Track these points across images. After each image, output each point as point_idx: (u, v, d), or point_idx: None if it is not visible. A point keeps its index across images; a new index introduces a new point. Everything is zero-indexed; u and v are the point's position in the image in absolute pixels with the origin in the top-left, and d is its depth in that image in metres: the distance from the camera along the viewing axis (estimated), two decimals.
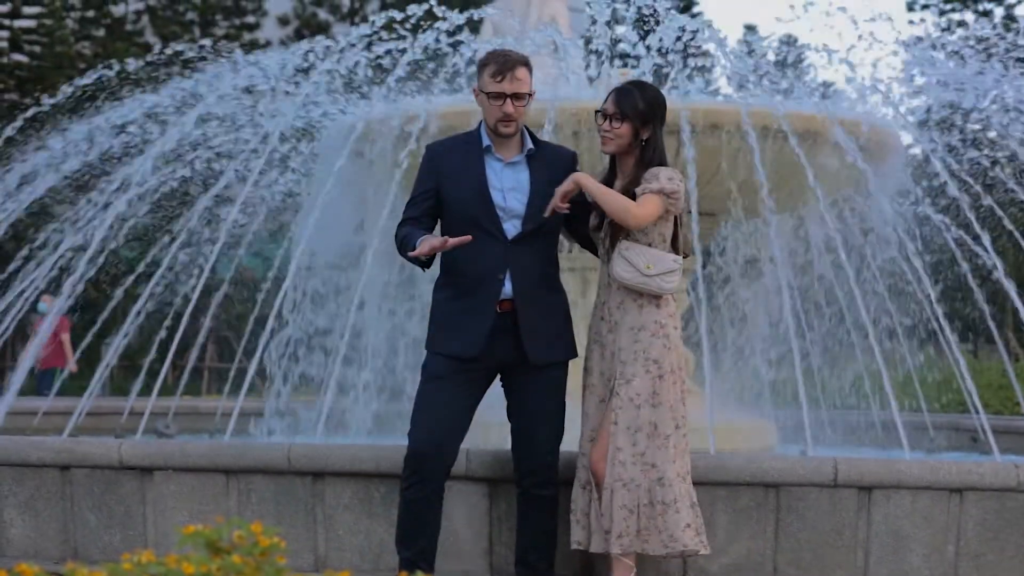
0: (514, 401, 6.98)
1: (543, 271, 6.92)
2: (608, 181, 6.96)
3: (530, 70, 6.91)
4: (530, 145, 6.95)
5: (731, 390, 11.61)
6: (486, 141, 6.92)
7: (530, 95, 6.89)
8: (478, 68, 6.98)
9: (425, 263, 6.78)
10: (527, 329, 6.82)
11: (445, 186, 6.90)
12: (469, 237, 6.69)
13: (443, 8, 10.88)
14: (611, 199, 6.76)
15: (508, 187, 6.86)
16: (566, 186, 6.77)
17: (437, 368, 6.88)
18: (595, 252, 7.17)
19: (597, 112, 6.93)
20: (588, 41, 11.65)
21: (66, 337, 21.61)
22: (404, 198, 8.73)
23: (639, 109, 6.84)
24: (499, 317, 6.81)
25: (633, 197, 6.78)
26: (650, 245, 6.83)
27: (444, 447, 6.83)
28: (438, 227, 7.02)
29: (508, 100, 6.81)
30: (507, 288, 6.81)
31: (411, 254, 6.71)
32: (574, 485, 6.98)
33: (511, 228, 6.84)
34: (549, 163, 6.94)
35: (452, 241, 6.67)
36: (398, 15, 11.03)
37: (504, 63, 6.86)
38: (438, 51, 10.81)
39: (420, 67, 10.87)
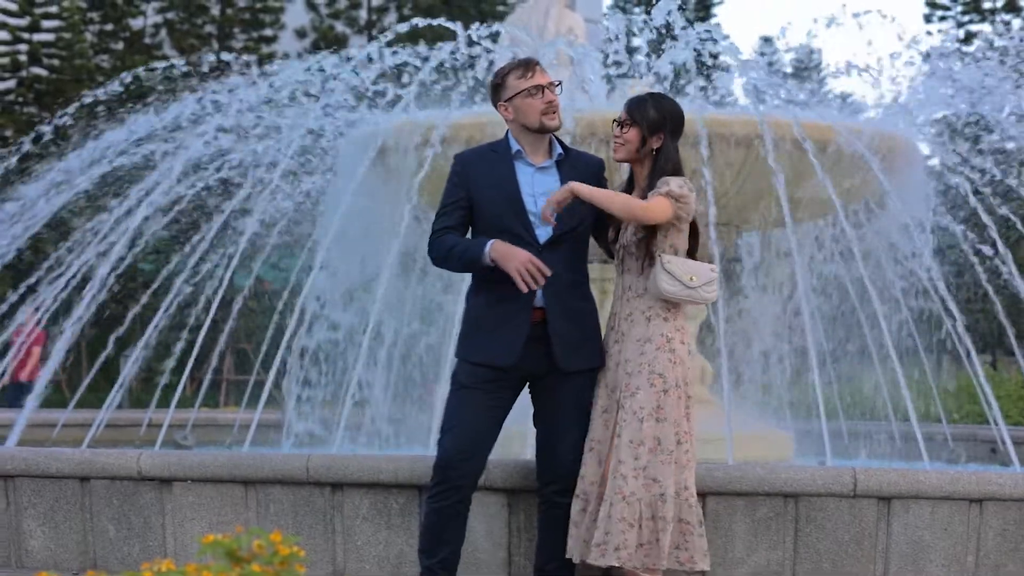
0: (541, 408, 6.97)
1: (573, 279, 6.92)
2: (627, 192, 6.97)
3: None
4: (559, 150, 6.97)
5: (749, 400, 11.60)
6: (515, 147, 6.94)
7: (560, 83, 6.95)
8: (497, 85, 6.97)
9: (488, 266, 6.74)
10: (558, 337, 6.82)
11: (476, 194, 6.89)
12: (549, 272, 6.67)
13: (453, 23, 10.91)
14: (611, 199, 6.78)
15: (540, 192, 6.87)
16: (560, 195, 6.75)
17: (468, 377, 6.87)
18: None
19: (614, 121, 6.96)
20: (605, 53, 11.67)
21: (37, 350, 21.38)
22: (422, 208, 8.75)
23: (649, 117, 6.85)
24: (531, 326, 6.83)
25: None
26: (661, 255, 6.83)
27: (473, 457, 6.82)
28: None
29: (545, 90, 6.84)
30: (538, 295, 6.82)
31: (512, 272, 6.65)
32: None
33: (543, 234, 6.84)
34: (578, 168, 6.95)
35: (541, 265, 6.64)
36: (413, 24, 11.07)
37: (527, 62, 6.93)
38: (455, 64, 10.85)
39: (440, 78, 10.90)
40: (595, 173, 7.02)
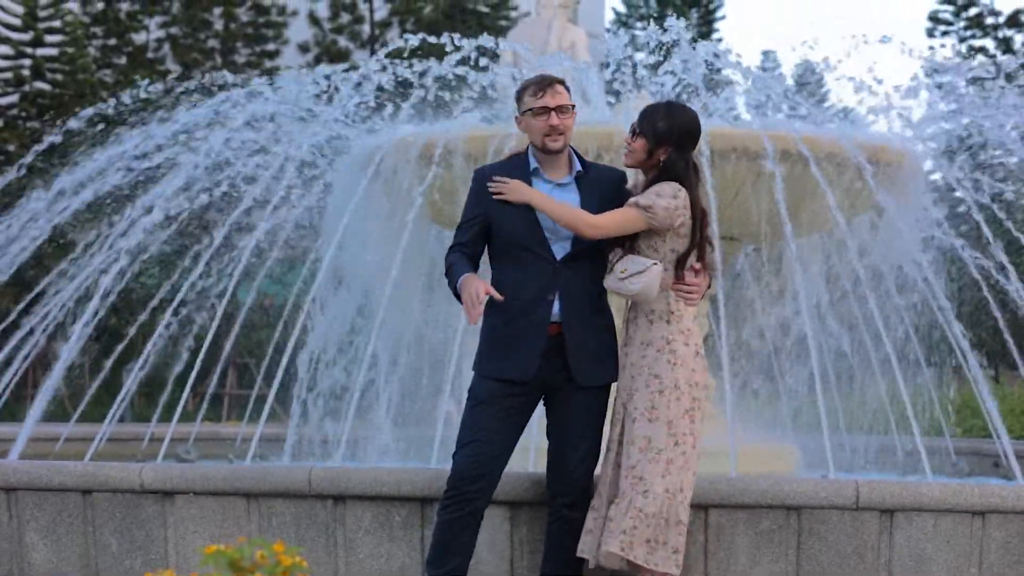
0: (554, 420, 7.00)
1: (590, 293, 6.95)
2: None
3: (568, 89, 7.00)
4: (579, 167, 6.99)
5: (753, 414, 11.59)
6: (533, 164, 6.98)
7: (573, 107, 6.96)
8: (517, 97, 7.05)
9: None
10: (575, 351, 6.86)
11: (493, 210, 6.93)
12: (501, 298, 6.74)
13: (458, 37, 10.92)
14: (560, 211, 6.82)
15: None
16: (513, 197, 6.82)
17: (485, 392, 6.90)
18: None
19: (633, 124, 7.01)
20: (605, 67, 11.69)
21: None
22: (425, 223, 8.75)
23: (657, 128, 6.88)
24: (548, 339, 6.85)
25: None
26: (661, 261, 6.85)
27: (489, 472, 6.85)
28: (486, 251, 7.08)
29: (552, 113, 6.87)
30: (555, 310, 6.85)
31: (463, 304, 6.74)
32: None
33: (560, 250, 6.88)
34: (599, 184, 6.99)
35: (484, 295, 6.68)
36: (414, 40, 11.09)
37: (542, 80, 6.98)
38: (458, 77, 10.87)
39: (442, 90, 10.92)
40: (616, 187, 7.05)
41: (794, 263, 10.18)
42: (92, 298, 11.40)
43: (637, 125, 6.94)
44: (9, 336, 12.58)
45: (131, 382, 12.74)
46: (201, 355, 11.45)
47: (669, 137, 6.90)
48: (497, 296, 6.71)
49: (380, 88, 11.04)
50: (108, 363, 14.55)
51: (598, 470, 7.03)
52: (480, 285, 6.70)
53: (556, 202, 6.86)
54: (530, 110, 6.92)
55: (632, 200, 6.85)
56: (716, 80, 11.24)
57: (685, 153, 6.95)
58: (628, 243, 6.93)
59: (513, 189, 6.85)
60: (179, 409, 11.99)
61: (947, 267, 12.27)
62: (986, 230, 11.02)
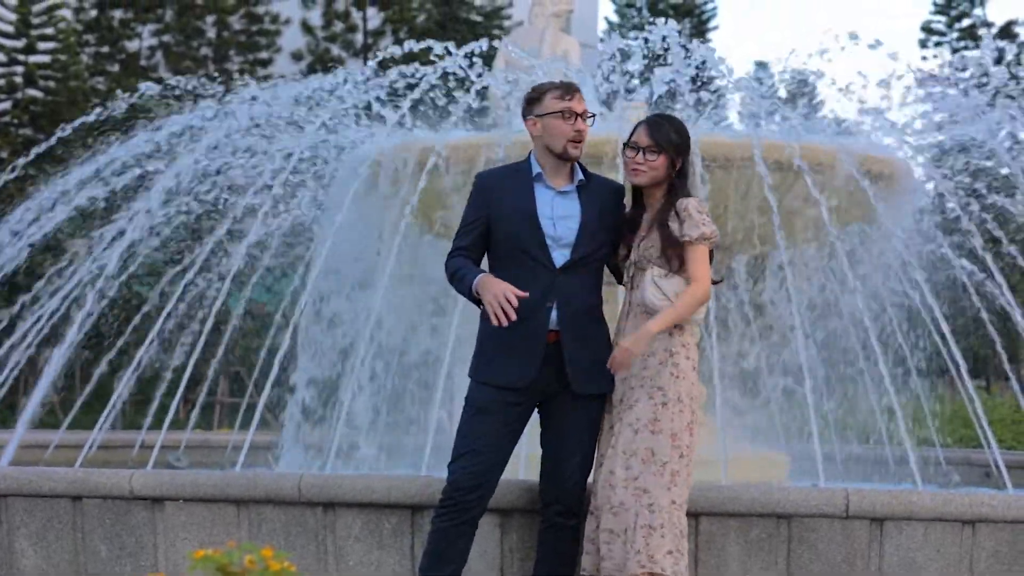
0: (549, 429, 6.98)
1: (589, 302, 6.93)
2: (636, 214, 6.98)
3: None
4: (580, 176, 6.97)
5: (745, 422, 11.59)
6: (536, 169, 6.95)
7: (593, 116, 6.97)
8: (532, 99, 6.97)
9: (480, 301, 6.78)
10: (572, 359, 6.84)
11: (494, 215, 6.91)
12: (526, 294, 6.68)
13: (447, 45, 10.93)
14: (684, 308, 6.78)
15: (559, 216, 6.88)
16: (631, 351, 6.74)
17: (483, 399, 6.87)
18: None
19: (625, 145, 6.95)
20: (598, 75, 11.69)
21: None
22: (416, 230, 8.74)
23: (672, 140, 6.88)
24: (546, 347, 6.83)
25: (665, 227, 6.82)
26: (674, 271, 6.85)
27: (486, 481, 6.83)
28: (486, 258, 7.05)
29: (578, 118, 6.85)
30: (553, 317, 6.83)
31: (487, 305, 6.68)
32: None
33: (560, 257, 6.85)
34: (599, 194, 6.97)
35: (512, 297, 6.64)
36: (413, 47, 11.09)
37: (568, 85, 6.96)
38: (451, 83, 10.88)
39: (434, 97, 10.92)
40: (615, 199, 7.04)
41: (788, 271, 10.18)
42: (83, 305, 11.39)
43: (652, 142, 6.88)
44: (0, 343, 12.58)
45: (122, 389, 12.73)
46: (191, 363, 11.43)
47: (683, 147, 6.92)
48: (522, 294, 6.66)
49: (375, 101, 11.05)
50: (99, 370, 14.53)
51: (591, 478, 7.02)
52: (504, 285, 6.66)
53: (666, 313, 6.77)
54: (557, 112, 6.87)
55: (695, 236, 6.79)
56: (713, 88, 11.25)
57: (688, 158, 6.98)
58: (637, 252, 6.91)
59: (629, 351, 6.74)
60: (170, 416, 11.98)
61: (938, 277, 12.27)
62: (978, 240, 11.03)
